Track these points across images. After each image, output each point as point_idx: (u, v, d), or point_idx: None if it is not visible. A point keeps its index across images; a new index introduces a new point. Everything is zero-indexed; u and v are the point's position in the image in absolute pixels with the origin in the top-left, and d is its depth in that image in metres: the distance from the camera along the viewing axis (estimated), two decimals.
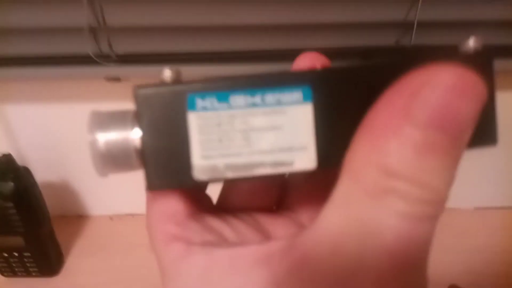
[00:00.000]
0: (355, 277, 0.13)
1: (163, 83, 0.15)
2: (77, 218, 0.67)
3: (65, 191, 0.65)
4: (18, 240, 0.53)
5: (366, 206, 0.13)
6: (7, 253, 0.54)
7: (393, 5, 0.48)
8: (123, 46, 0.51)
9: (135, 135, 0.15)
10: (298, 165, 0.15)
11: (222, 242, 0.17)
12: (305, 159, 0.15)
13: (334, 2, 0.48)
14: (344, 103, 0.15)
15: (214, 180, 0.15)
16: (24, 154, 0.61)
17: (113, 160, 0.15)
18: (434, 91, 0.12)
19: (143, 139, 0.15)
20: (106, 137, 0.15)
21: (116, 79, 0.54)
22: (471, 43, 0.15)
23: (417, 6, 0.47)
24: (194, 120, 0.15)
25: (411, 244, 0.13)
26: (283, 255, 0.15)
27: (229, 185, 0.22)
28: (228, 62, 0.51)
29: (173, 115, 0.15)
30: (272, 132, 0.15)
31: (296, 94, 0.15)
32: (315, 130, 0.15)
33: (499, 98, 0.16)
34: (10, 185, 0.50)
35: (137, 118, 0.15)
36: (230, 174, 0.15)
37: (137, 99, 0.15)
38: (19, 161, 0.52)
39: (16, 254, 0.54)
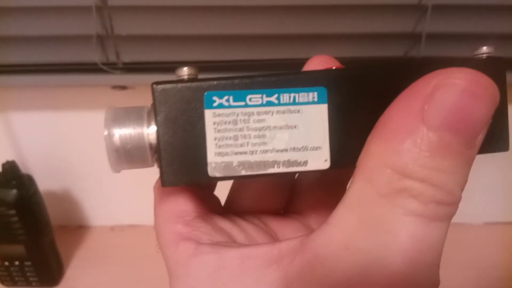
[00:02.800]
0: (368, 277, 0.13)
1: (180, 80, 0.16)
2: (77, 228, 0.67)
3: (66, 200, 0.66)
4: (19, 249, 0.53)
5: (379, 206, 0.14)
6: (8, 262, 0.54)
7: (402, 17, 0.49)
8: (130, 54, 0.52)
9: (150, 131, 0.16)
10: (312, 165, 0.16)
11: (231, 243, 0.17)
12: (318, 159, 0.16)
13: (344, 13, 0.49)
14: (359, 105, 0.16)
15: (228, 178, 0.16)
16: (27, 162, 0.62)
17: (127, 155, 0.16)
18: (448, 94, 0.13)
19: (159, 134, 0.15)
20: (121, 132, 0.16)
21: (122, 87, 0.55)
22: (484, 49, 0.16)
23: (426, 18, 0.48)
24: (210, 117, 0.15)
25: (424, 244, 0.13)
26: (295, 255, 0.15)
27: (238, 187, 0.22)
28: (235, 72, 0.52)
29: (189, 112, 0.15)
30: (287, 131, 0.15)
31: (311, 95, 0.15)
32: (330, 131, 0.16)
33: (511, 112, 0.17)
34: (13, 192, 0.50)
35: (154, 113, 0.15)
36: (244, 172, 0.15)
37: (154, 94, 0.15)
38: (23, 169, 0.53)
39: (17, 263, 0.54)
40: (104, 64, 0.51)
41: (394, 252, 0.13)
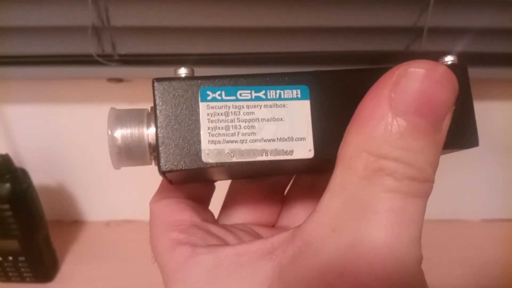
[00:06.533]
0: (355, 254, 0.15)
1: (178, 77, 0.19)
2: (72, 223, 0.69)
3: (61, 195, 0.68)
4: (13, 244, 0.54)
5: (361, 188, 0.16)
6: (1, 257, 0.56)
7: (403, 11, 0.51)
8: (126, 46, 0.53)
9: (150, 131, 0.18)
10: (297, 154, 0.18)
11: (226, 245, 0.19)
12: (303, 148, 0.18)
13: (346, 6, 0.50)
14: (338, 101, 0.19)
15: (221, 165, 0.18)
16: (21, 156, 0.63)
17: (128, 153, 0.18)
18: (410, 81, 0.15)
19: (158, 124, 0.18)
20: (123, 131, 0.18)
21: (118, 80, 0.57)
22: (448, 57, 0.19)
23: (428, 12, 0.50)
24: (205, 109, 0.18)
25: (404, 218, 0.15)
26: (287, 245, 0.17)
27: (230, 200, 0.25)
28: (232, 65, 0.54)
29: (186, 104, 0.18)
30: (274, 123, 0.18)
31: (295, 92, 0.18)
32: (313, 124, 0.18)
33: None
34: (6, 186, 0.52)
35: (153, 107, 0.18)
36: (235, 159, 0.18)
37: (154, 88, 0.18)
38: (16, 162, 0.54)
39: (10, 258, 0.56)
40: (99, 56, 0.52)
41: (376, 227, 0.15)
